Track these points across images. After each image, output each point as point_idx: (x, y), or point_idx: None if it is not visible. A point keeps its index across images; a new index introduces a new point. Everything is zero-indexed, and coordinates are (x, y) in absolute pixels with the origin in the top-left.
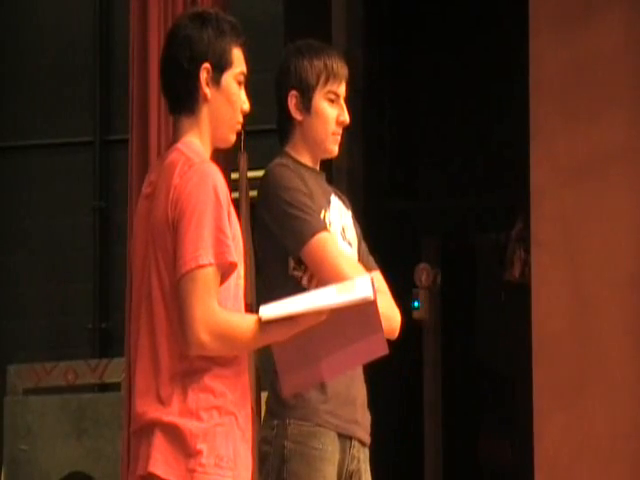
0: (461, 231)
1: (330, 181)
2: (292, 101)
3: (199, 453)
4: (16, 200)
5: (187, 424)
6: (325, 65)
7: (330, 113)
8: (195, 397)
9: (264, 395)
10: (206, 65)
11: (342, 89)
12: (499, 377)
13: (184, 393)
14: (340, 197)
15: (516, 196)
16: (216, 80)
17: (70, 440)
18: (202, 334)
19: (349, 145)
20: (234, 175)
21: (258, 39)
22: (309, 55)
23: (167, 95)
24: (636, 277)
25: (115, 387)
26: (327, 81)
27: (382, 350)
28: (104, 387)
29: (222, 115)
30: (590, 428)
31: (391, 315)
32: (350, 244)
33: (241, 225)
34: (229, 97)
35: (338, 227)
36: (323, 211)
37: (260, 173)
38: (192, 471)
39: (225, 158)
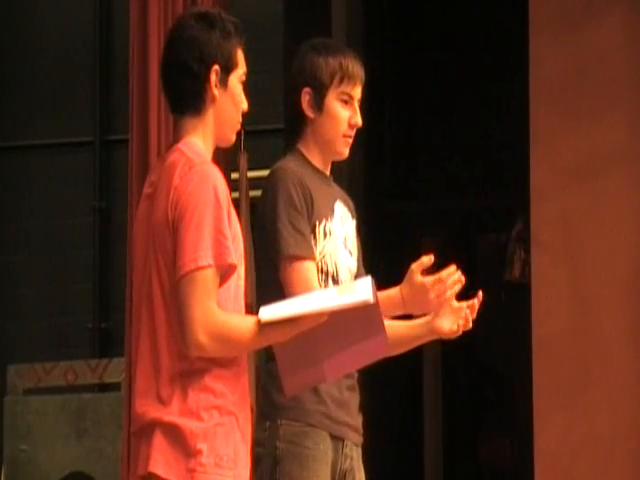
0: (461, 231)
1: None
2: (305, 98)
3: (199, 453)
4: (16, 200)
5: (187, 424)
6: (340, 65)
7: (342, 114)
8: (195, 397)
9: None
10: (216, 67)
11: (357, 92)
12: (499, 377)
13: (184, 393)
14: (346, 203)
15: (516, 196)
16: (224, 82)
17: (70, 440)
18: (200, 335)
19: None
20: (234, 175)
21: (258, 39)
22: (325, 53)
23: (170, 95)
24: (636, 277)
25: (115, 387)
26: (341, 81)
27: (384, 352)
28: (104, 387)
29: (227, 115)
30: (590, 428)
31: None
32: (350, 253)
33: (241, 225)
34: (234, 98)
35: (339, 236)
36: (323, 221)
37: (260, 173)
38: (192, 471)
39: (225, 158)
